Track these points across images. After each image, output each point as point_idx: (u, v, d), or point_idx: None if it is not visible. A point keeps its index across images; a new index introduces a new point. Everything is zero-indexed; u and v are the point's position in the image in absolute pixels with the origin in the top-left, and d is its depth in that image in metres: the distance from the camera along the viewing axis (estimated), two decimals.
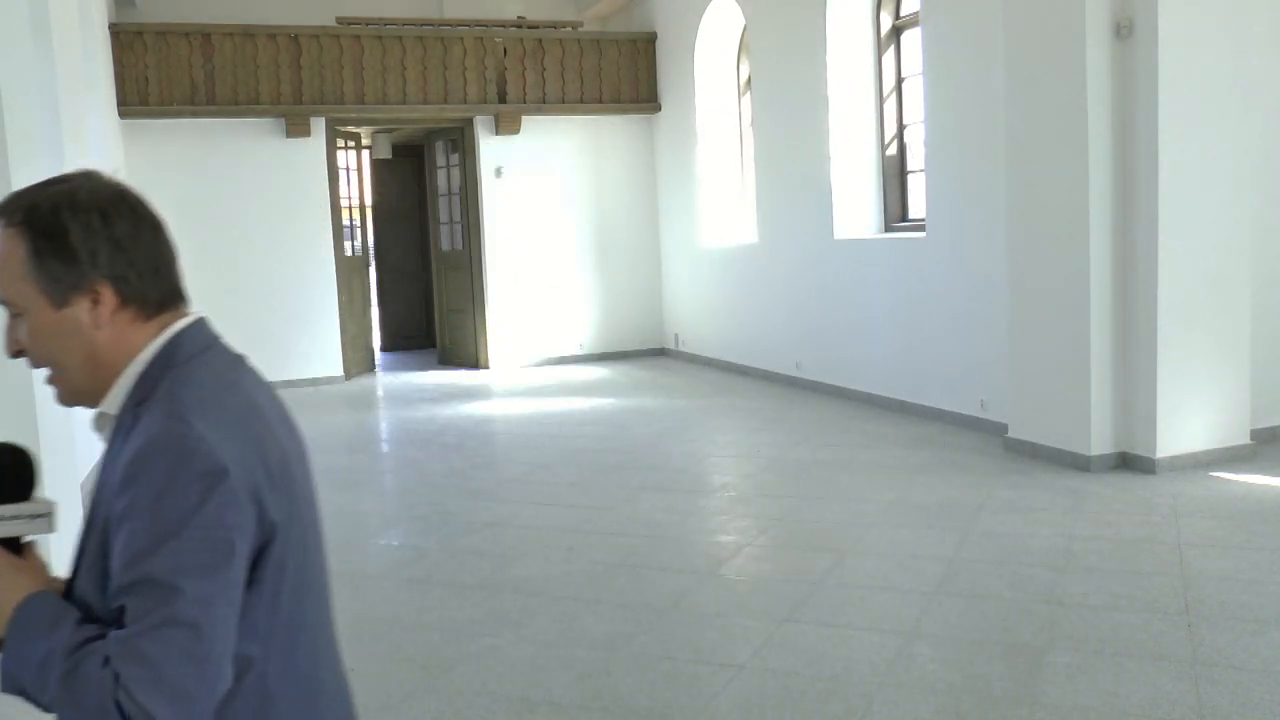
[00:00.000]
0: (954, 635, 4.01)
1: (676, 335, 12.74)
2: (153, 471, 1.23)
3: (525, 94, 12.22)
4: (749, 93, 11.17)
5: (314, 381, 11.73)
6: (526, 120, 12.33)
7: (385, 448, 8.67)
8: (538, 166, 12.50)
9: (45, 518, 1.37)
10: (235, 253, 11.45)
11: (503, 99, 12.17)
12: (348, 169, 12.59)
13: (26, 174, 4.67)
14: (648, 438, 8.11)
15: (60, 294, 1.32)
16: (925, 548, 5.08)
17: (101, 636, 1.22)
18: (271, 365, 11.30)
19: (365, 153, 14.04)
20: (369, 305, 13.09)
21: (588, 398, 10.12)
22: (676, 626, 4.27)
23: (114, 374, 1.36)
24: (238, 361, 1.44)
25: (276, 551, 1.33)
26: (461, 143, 12.50)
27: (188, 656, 1.19)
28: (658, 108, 12.71)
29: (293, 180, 11.59)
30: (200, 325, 1.42)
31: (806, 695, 3.56)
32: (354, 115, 11.78)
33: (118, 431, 1.33)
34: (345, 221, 12.45)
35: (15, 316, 1.35)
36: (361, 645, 4.26)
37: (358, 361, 12.31)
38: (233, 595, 1.25)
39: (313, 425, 9.34)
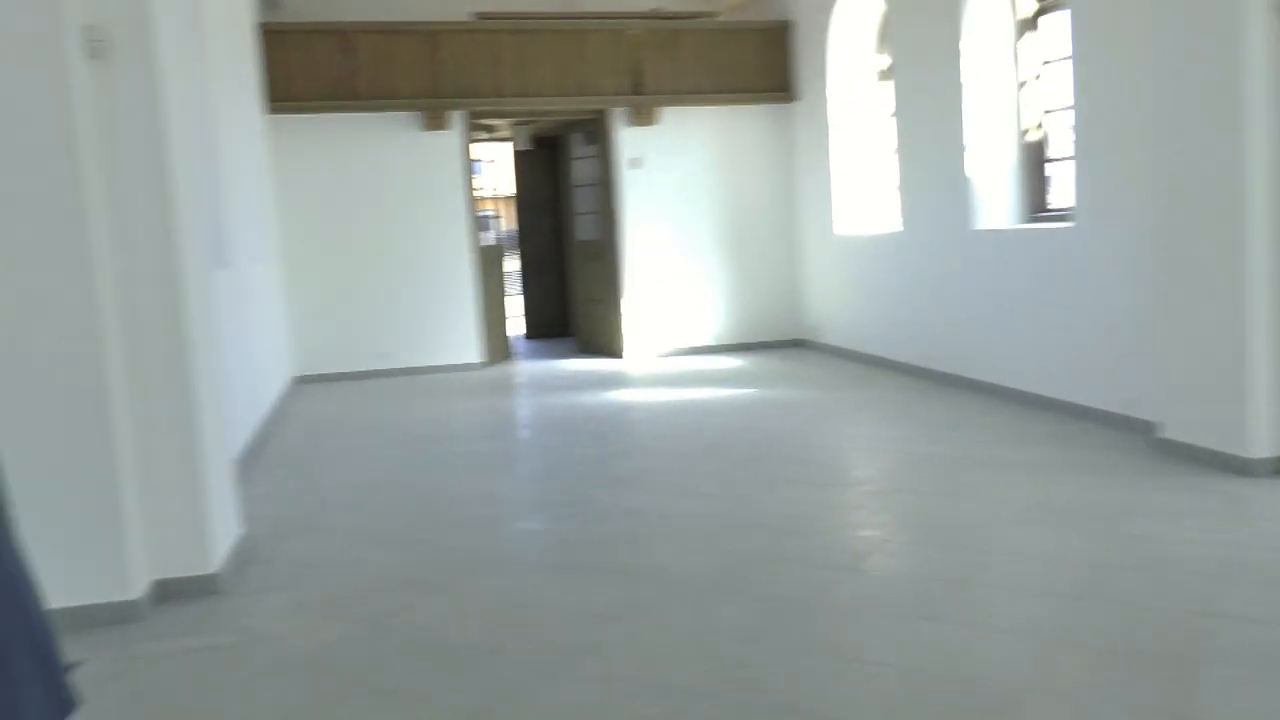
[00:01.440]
0: (1099, 643, 3.92)
1: (813, 326, 12.66)
2: None
3: (660, 85, 12.29)
4: (886, 80, 11.01)
5: (453, 368, 12.04)
6: (661, 111, 12.41)
7: (525, 434, 8.84)
8: (673, 158, 12.56)
9: None
10: (376, 243, 11.86)
11: (638, 91, 12.25)
12: (486, 161, 12.85)
13: (182, 169, 4.94)
14: (785, 430, 8.10)
15: None
16: (1069, 551, 4.96)
17: None
18: (412, 352, 11.85)
19: (502, 144, 14.31)
20: (506, 294, 13.35)
21: (724, 388, 10.14)
22: (815, 621, 4.28)
23: None
24: None
25: None
26: (598, 134, 12.63)
27: None
28: (793, 97, 12.63)
29: (431, 172, 11.92)
30: None
31: (945, 696, 3.53)
32: (491, 108, 12.03)
33: None
34: (483, 212, 12.73)
35: None
36: (503, 628, 4.38)
37: (496, 349, 12.58)
38: None
39: (453, 411, 9.61)
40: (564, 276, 15.01)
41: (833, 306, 12.13)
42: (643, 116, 12.33)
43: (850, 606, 4.42)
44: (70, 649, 4.21)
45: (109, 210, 4.64)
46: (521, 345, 14.37)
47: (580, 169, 13.32)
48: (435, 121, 11.79)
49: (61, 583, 4.43)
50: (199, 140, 5.92)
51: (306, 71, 11.37)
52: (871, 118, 11.65)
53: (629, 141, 12.44)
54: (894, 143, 10.67)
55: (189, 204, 5.02)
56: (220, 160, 7.72)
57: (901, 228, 10.52)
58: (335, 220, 11.80)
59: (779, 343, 12.93)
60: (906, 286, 10.37)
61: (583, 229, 13.40)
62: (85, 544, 4.60)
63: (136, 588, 4.71)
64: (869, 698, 3.56)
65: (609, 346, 12.80)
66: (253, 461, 7.64)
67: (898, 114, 10.52)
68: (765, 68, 12.61)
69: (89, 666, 4.20)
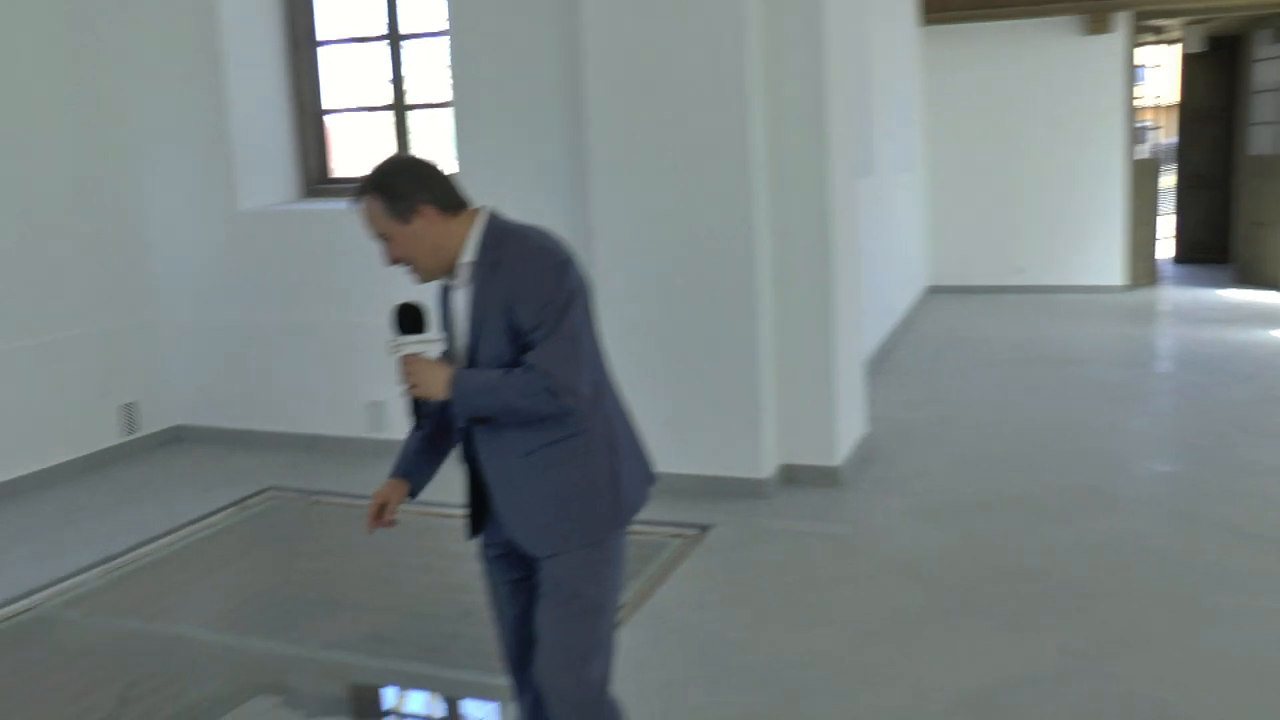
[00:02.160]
0: None
1: None
2: (531, 271, 2.23)
3: None
4: None
5: (1091, 289, 11.47)
6: None
7: (1164, 366, 8.26)
8: None
9: (439, 341, 2.39)
10: (1022, 154, 11.57)
11: None
12: (1150, 66, 11.87)
13: (837, 84, 5.20)
14: None
15: (405, 218, 2.26)
16: None
17: (515, 366, 2.22)
18: (1049, 269, 11.48)
19: (1171, 47, 13.10)
20: (1158, 213, 12.34)
21: None
22: None
23: (450, 251, 2.29)
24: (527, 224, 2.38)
25: (593, 311, 2.34)
26: None
27: (575, 350, 2.23)
28: None
29: (1086, 80, 11.27)
30: (496, 210, 2.35)
31: None
32: (1161, 7, 11.00)
33: (479, 271, 2.27)
34: (1140, 123, 11.82)
35: (386, 241, 2.30)
36: (1113, 570, 4.23)
37: (1141, 272, 11.75)
38: (583, 322, 2.27)
39: (1087, 335, 9.22)
40: (1227, 195, 13.52)
41: None
42: None
43: None
44: (707, 512, 4.83)
45: (769, 120, 5.11)
46: (1169, 269, 13.26)
47: (1263, 72, 11.78)
48: (1098, 25, 11.08)
49: (705, 454, 5.13)
50: (853, 55, 6.19)
51: None
52: None
53: None
54: None
55: (840, 116, 5.34)
56: (872, 74, 7.99)
57: None
58: (982, 130, 11.65)
59: None
60: None
61: (1258, 141, 11.91)
62: (728, 423, 5.22)
63: (767, 468, 5.24)
64: None
65: (1273, 277, 11.37)
66: (881, 365, 7.95)
67: None
68: None
69: (721, 529, 4.76)
